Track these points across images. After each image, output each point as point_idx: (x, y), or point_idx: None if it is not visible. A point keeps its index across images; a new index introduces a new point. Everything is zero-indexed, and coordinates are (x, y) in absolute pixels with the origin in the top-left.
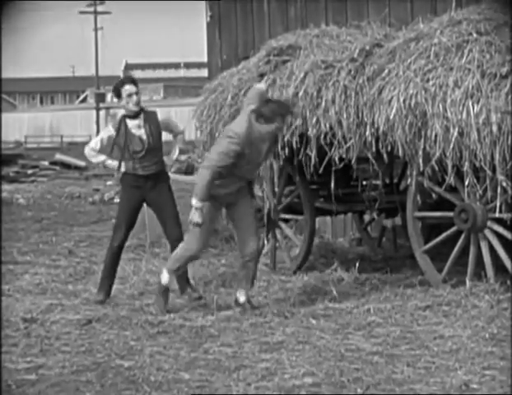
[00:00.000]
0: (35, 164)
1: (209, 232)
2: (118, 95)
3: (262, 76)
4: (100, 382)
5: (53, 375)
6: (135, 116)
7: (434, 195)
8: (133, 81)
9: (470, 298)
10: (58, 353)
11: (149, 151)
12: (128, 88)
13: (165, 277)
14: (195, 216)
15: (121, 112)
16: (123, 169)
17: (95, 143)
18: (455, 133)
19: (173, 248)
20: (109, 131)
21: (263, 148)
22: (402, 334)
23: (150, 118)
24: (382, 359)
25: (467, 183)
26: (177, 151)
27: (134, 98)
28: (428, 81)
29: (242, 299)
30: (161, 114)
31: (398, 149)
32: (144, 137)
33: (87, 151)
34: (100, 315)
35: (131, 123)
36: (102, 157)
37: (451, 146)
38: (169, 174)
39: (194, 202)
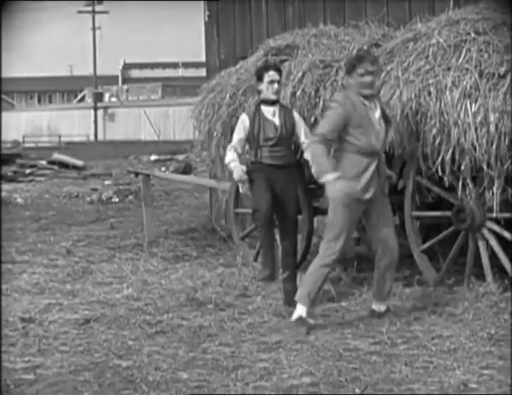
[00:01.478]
0: (33, 164)
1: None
2: (259, 77)
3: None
4: (98, 381)
5: (51, 375)
6: (271, 104)
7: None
8: (278, 69)
9: (468, 297)
10: (56, 353)
11: (281, 140)
12: (271, 74)
13: (299, 310)
14: None
15: (117, 110)
16: (251, 157)
17: (234, 142)
18: (453, 133)
19: (285, 251)
20: (243, 121)
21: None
22: (400, 333)
23: (285, 110)
24: (380, 358)
25: (464, 182)
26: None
27: (275, 86)
28: (426, 80)
29: (382, 308)
30: (159, 114)
31: (396, 149)
32: (278, 123)
33: (228, 148)
34: (98, 315)
35: (266, 109)
36: (232, 156)
37: (449, 145)
38: (166, 173)
39: None
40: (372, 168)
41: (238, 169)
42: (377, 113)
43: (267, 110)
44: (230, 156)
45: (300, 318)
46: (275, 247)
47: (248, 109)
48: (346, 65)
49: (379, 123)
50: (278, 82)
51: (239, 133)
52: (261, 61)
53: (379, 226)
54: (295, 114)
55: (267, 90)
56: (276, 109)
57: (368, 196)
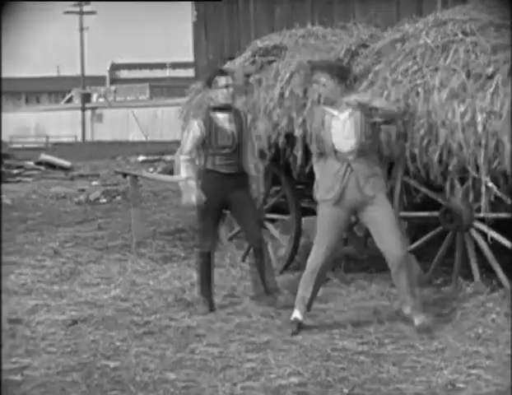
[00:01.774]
0: (20, 165)
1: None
2: (210, 83)
3: (248, 76)
4: (85, 382)
5: (38, 376)
6: (224, 110)
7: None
8: (230, 74)
9: (456, 297)
10: (44, 354)
11: (234, 147)
12: (223, 79)
13: (295, 313)
14: None
15: (105, 111)
16: (207, 165)
17: (189, 148)
18: (441, 133)
19: (255, 251)
20: (195, 127)
21: None
22: (387, 333)
23: (239, 116)
24: (368, 358)
25: (451, 183)
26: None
27: (230, 90)
28: (414, 81)
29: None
30: (148, 114)
31: (384, 149)
32: (231, 131)
33: (182, 159)
34: (85, 316)
35: (220, 115)
36: (188, 173)
37: (437, 146)
38: (154, 174)
39: None
40: (334, 168)
41: (195, 193)
42: (342, 117)
43: (221, 117)
44: (188, 172)
45: (294, 320)
46: (212, 278)
47: (200, 115)
48: None
49: (343, 126)
50: (231, 87)
51: (193, 140)
52: (249, 61)
53: (376, 230)
54: (248, 122)
55: (220, 94)
56: (229, 115)
57: (329, 197)
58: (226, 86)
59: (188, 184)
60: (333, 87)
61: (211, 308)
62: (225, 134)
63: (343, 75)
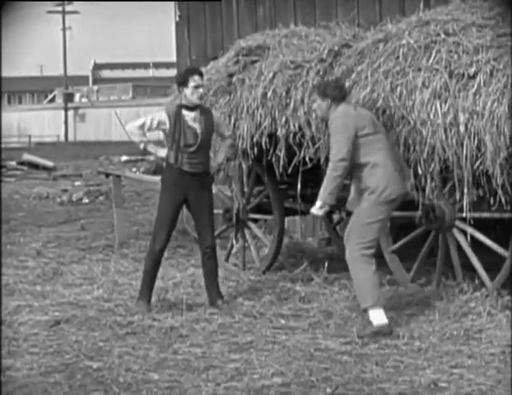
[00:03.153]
0: (3, 165)
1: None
2: (183, 82)
3: (231, 76)
4: (68, 383)
5: (20, 377)
6: (193, 109)
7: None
8: (202, 74)
9: (438, 297)
10: (26, 354)
11: (200, 147)
12: (197, 79)
13: (374, 317)
14: None
15: (87, 111)
16: (170, 159)
17: (143, 121)
18: (423, 133)
19: (206, 257)
20: (162, 115)
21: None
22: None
23: (206, 114)
24: (351, 358)
25: (434, 182)
26: (223, 155)
27: (200, 90)
28: (396, 81)
29: None
30: (130, 114)
31: None
32: (199, 131)
33: (131, 127)
34: (68, 316)
35: (188, 114)
36: (146, 138)
37: (419, 146)
38: (137, 174)
39: None
40: None
41: (162, 151)
42: None
43: (189, 115)
44: (143, 138)
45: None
46: (155, 278)
47: (168, 108)
48: None
49: None
50: (202, 87)
51: (153, 120)
52: (232, 61)
53: None
54: (215, 115)
55: (191, 94)
56: (197, 114)
57: None
58: (198, 86)
59: (151, 148)
60: (324, 108)
61: (149, 308)
62: (191, 133)
63: (334, 94)
